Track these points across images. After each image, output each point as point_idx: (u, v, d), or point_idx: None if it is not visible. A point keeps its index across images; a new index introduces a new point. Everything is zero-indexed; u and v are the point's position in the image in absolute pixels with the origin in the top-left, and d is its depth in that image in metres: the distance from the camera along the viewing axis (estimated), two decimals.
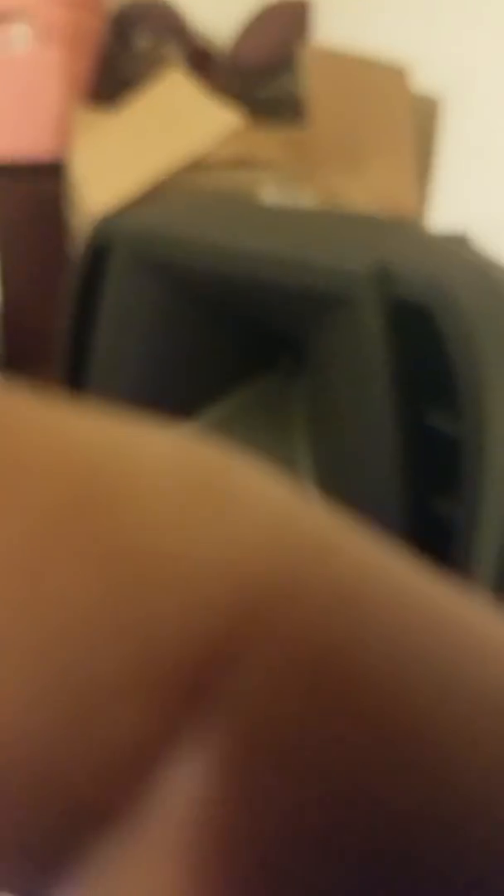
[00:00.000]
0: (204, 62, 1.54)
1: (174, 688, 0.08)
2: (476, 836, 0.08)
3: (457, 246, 0.72)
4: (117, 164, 0.98)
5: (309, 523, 0.09)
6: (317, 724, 0.08)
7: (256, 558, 0.09)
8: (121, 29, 1.55)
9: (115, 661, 0.08)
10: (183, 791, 0.08)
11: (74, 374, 0.71)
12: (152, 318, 0.69)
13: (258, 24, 1.64)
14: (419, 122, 1.11)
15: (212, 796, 0.08)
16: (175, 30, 1.55)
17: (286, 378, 0.72)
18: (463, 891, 0.08)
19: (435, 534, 0.62)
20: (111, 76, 1.50)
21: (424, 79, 1.11)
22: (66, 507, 0.08)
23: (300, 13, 1.66)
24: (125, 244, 0.67)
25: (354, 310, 0.58)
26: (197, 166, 0.97)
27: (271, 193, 1.07)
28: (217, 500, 0.09)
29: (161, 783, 0.08)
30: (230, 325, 0.70)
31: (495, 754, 0.08)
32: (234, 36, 1.65)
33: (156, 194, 0.92)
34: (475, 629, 0.09)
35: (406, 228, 0.80)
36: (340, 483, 0.63)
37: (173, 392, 0.72)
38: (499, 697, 0.09)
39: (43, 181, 1.37)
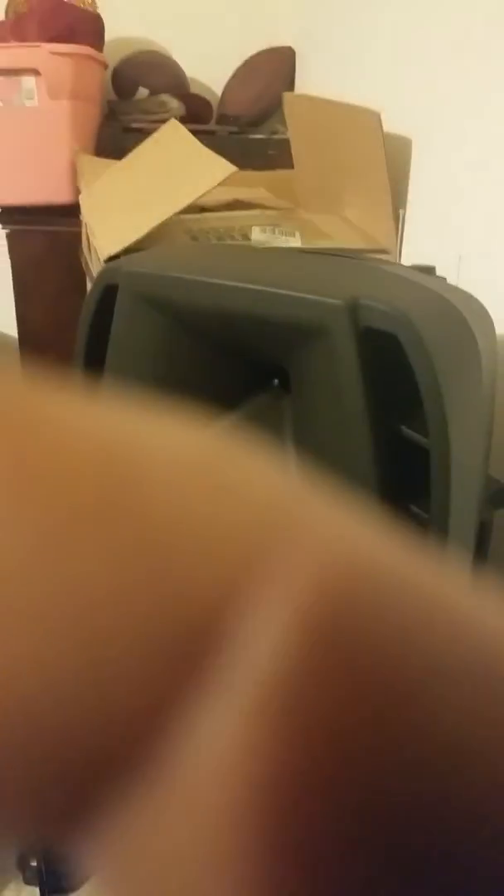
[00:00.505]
0: (200, 109, 1.62)
1: (187, 639, 0.09)
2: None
3: (424, 278, 0.78)
4: (123, 208, 1.04)
5: (300, 503, 0.10)
6: (330, 685, 0.08)
7: (255, 532, 0.09)
8: (121, 80, 1.63)
9: (131, 615, 0.08)
10: (208, 740, 0.09)
11: None
12: (155, 347, 0.73)
13: (247, 72, 1.71)
14: (391, 161, 1.17)
15: (236, 746, 0.08)
16: (172, 80, 1.63)
17: (276, 400, 0.77)
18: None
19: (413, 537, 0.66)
20: (114, 124, 1.58)
21: (397, 121, 1.17)
22: (89, 487, 0.09)
23: (286, 60, 1.73)
24: (130, 283, 0.73)
25: (331, 338, 0.63)
26: (192, 208, 1.03)
27: (260, 233, 1.13)
28: (220, 484, 0.09)
29: (183, 732, 0.09)
30: (224, 353, 0.73)
31: None
32: (226, 82, 1.74)
33: (158, 235, 0.98)
34: (448, 600, 0.10)
35: (378, 263, 0.85)
36: None
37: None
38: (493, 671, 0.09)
39: (55, 222, 1.45)
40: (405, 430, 0.66)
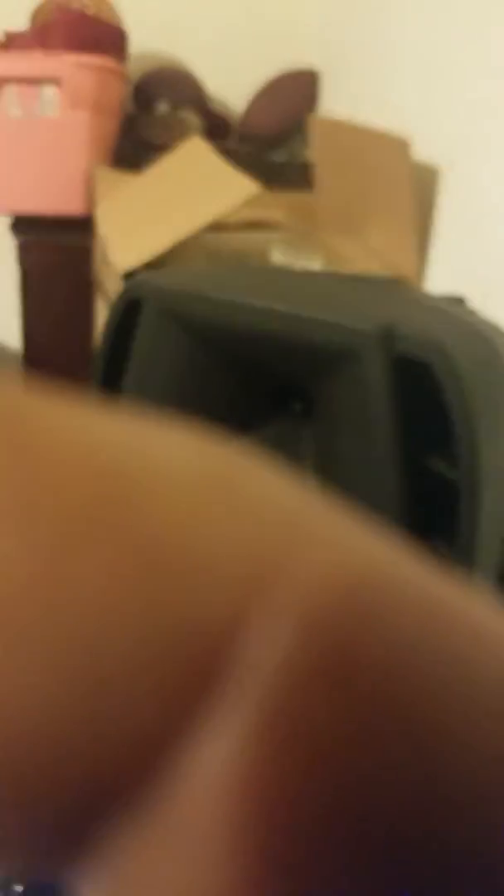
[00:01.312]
0: (219, 127, 1.63)
1: (194, 664, 0.08)
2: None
3: (454, 308, 0.78)
4: (142, 224, 1.04)
5: (312, 517, 0.10)
6: (338, 708, 0.08)
7: (265, 550, 0.09)
8: (142, 94, 1.64)
9: (135, 641, 0.08)
10: (209, 767, 0.08)
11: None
12: (176, 364, 0.73)
13: (269, 93, 1.72)
14: (419, 190, 1.17)
15: (238, 773, 0.08)
16: (192, 96, 1.64)
17: (297, 424, 0.76)
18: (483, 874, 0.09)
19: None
20: (131, 138, 1.58)
21: (425, 149, 1.17)
22: (90, 502, 0.09)
23: (309, 82, 1.75)
24: (155, 300, 0.72)
25: (362, 364, 0.62)
26: (211, 227, 1.03)
27: (280, 254, 1.13)
28: (229, 496, 0.09)
29: (184, 761, 0.09)
30: (247, 374, 0.73)
31: None
32: (247, 103, 1.75)
33: (176, 252, 0.97)
34: (460, 609, 0.09)
35: (408, 291, 0.85)
36: None
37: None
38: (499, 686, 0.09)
39: (66, 234, 1.44)
40: (433, 462, 0.65)
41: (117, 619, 0.08)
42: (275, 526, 0.09)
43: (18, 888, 0.96)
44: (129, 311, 0.74)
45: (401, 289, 0.84)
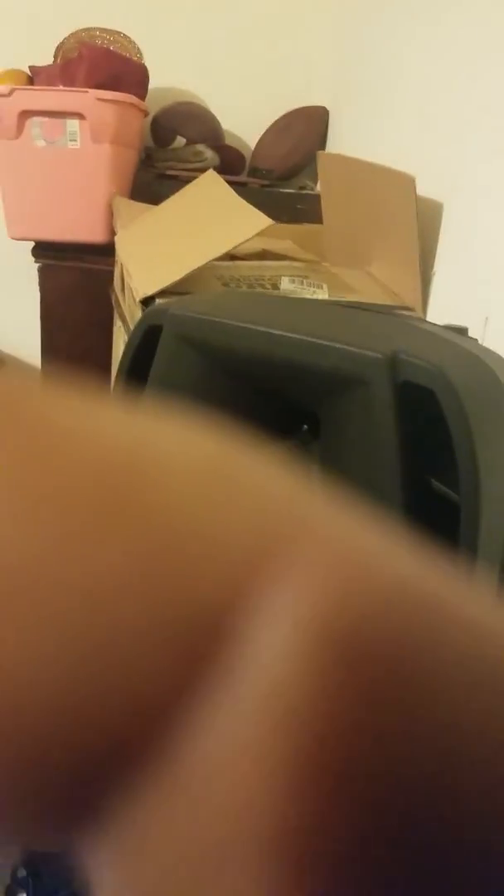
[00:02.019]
0: (233, 161, 1.67)
1: (196, 639, 0.09)
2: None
3: (456, 336, 0.80)
4: (161, 252, 1.07)
5: (307, 507, 0.10)
6: (334, 684, 0.09)
7: (264, 533, 0.09)
8: (160, 129, 1.68)
9: (142, 614, 0.08)
10: (214, 739, 0.09)
11: None
12: (191, 385, 0.75)
13: (280, 129, 1.76)
14: (421, 224, 1.20)
15: (242, 743, 0.08)
16: (208, 131, 1.68)
17: (304, 445, 0.79)
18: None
19: None
20: (149, 170, 1.62)
21: (427, 184, 1.21)
22: (102, 487, 0.09)
23: (319, 119, 1.79)
24: (173, 325, 0.75)
25: (369, 389, 0.65)
26: (223, 255, 1.06)
27: (289, 282, 1.16)
28: (230, 484, 0.10)
29: (189, 731, 0.09)
30: (256, 395, 0.75)
31: None
32: (260, 136, 1.80)
33: (191, 279, 1.01)
34: (459, 609, 0.10)
35: (413, 320, 0.88)
36: None
37: None
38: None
39: (86, 259, 1.49)
40: (435, 483, 0.67)
41: (125, 593, 0.09)
42: (274, 511, 0.10)
43: (21, 873, 0.98)
44: (148, 335, 0.78)
45: (406, 318, 0.87)
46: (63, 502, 0.09)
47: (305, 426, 0.80)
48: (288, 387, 0.72)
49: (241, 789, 0.09)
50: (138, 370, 0.80)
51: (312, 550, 0.09)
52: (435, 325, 0.90)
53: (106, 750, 0.09)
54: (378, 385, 0.66)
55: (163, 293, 1.02)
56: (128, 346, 0.81)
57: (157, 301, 1.04)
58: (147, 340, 0.79)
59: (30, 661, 0.08)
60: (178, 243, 1.07)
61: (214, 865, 0.09)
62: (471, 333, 0.91)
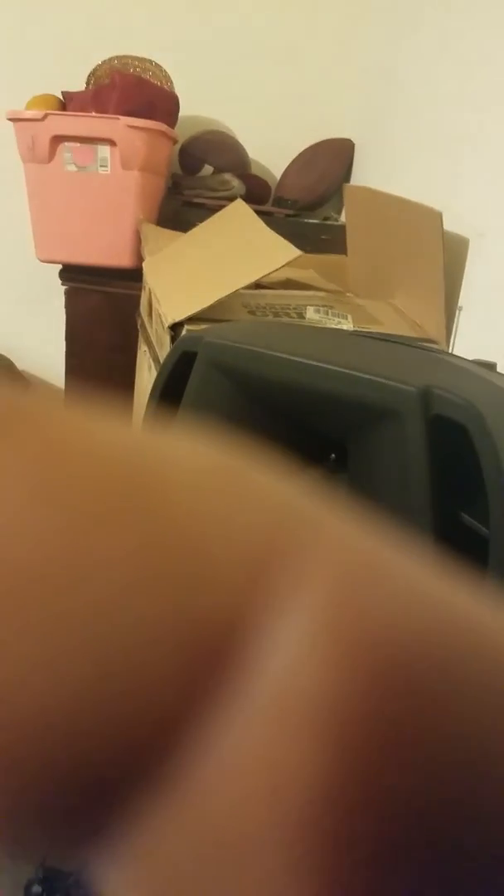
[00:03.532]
0: (259, 191, 1.69)
1: (204, 642, 0.09)
2: None
3: (486, 372, 0.81)
4: (189, 279, 1.09)
5: (313, 510, 0.10)
6: (347, 685, 0.09)
7: (270, 536, 0.09)
8: (188, 157, 1.71)
9: (149, 616, 0.09)
10: (228, 744, 0.09)
11: None
12: (223, 410, 0.76)
13: (306, 160, 1.79)
14: (448, 258, 1.21)
15: (256, 750, 0.08)
16: (235, 161, 1.71)
17: (331, 474, 0.79)
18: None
19: None
20: (176, 197, 1.65)
21: (453, 218, 1.22)
22: (112, 489, 0.09)
23: (344, 151, 1.82)
24: (207, 352, 0.76)
25: (402, 422, 0.66)
26: (249, 284, 1.07)
27: (314, 312, 1.17)
28: (236, 488, 0.10)
29: (202, 734, 0.09)
30: (285, 424, 0.76)
31: None
32: (286, 167, 1.82)
33: (217, 306, 1.02)
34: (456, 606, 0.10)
35: (444, 354, 0.88)
36: None
37: None
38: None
39: (111, 283, 1.51)
40: (465, 516, 0.67)
41: (134, 593, 0.09)
42: (284, 510, 0.10)
43: (35, 889, 0.96)
44: (182, 360, 0.79)
45: (437, 352, 0.87)
46: (70, 501, 0.09)
47: (333, 455, 0.80)
48: (318, 416, 0.73)
49: (254, 793, 0.08)
50: (170, 393, 0.81)
51: (324, 550, 0.10)
52: (465, 359, 0.90)
53: (116, 755, 0.09)
54: (410, 418, 0.66)
55: (190, 319, 1.03)
56: (162, 369, 0.82)
57: (186, 327, 1.05)
58: (180, 365, 0.80)
59: (36, 663, 0.08)
60: (206, 271, 1.09)
61: (230, 871, 0.09)
62: (499, 369, 0.91)
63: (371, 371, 0.68)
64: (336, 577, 0.09)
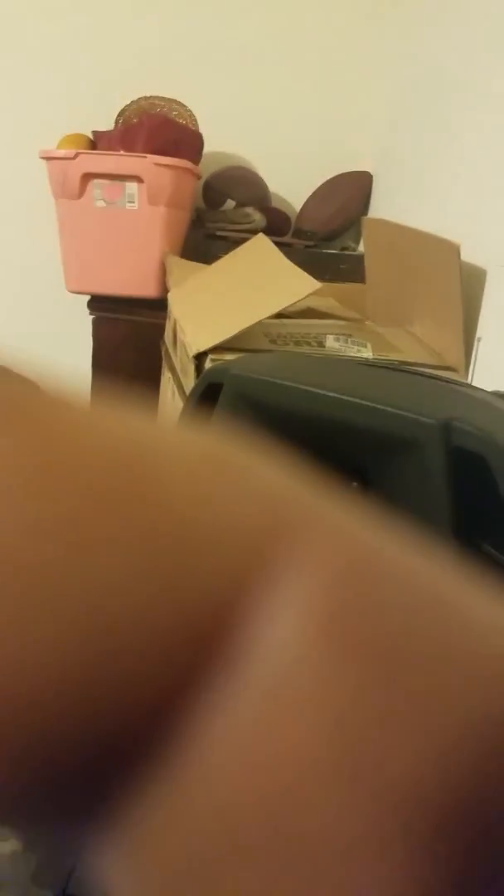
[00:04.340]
0: (279, 223, 1.74)
1: (199, 626, 0.09)
2: None
3: None
4: (213, 310, 1.12)
5: (307, 497, 0.10)
6: (339, 673, 0.09)
7: (265, 525, 0.10)
8: (211, 191, 1.75)
9: (145, 603, 0.08)
10: (224, 728, 0.09)
11: None
12: (248, 440, 0.80)
13: (326, 191, 1.82)
14: (466, 290, 1.24)
15: (253, 732, 0.08)
16: (257, 195, 1.75)
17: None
18: None
19: None
20: (199, 230, 1.69)
21: (471, 251, 1.25)
22: (109, 478, 0.09)
23: (363, 184, 1.86)
24: (233, 384, 0.80)
25: (423, 453, 0.69)
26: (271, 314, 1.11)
27: (334, 341, 1.19)
28: (232, 477, 0.10)
29: (198, 719, 0.09)
30: (310, 453, 0.79)
31: None
32: (305, 199, 1.86)
33: (240, 336, 1.05)
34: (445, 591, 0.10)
35: (464, 387, 0.91)
36: None
37: None
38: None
39: (137, 312, 1.55)
40: (485, 546, 0.69)
41: (129, 580, 0.08)
42: (279, 498, 0.10)
43: None
44: (209, 390, 0.82)
45: (456, 384, 0.90)
46: (66, 489, 0.09)
47: (355, 483, 0.83)
48: (341, 446, 0.75)
49: (249, 780, 0.08)
50: (197, 420, 0.84)
51: (320, 538, 0.10)
52: (485, 391, 0.92)
53: (110, 740, 0.09)
54: (431, 449, 0.69)
55: (214, 348, 1.06)
56: (189, 398, 0.85)
57: (210, 356, 1.09)
58: (207, 394, 0.83)
59: (30, 648, 0.08)
60: (229, 302, 1.12)
61: (226, 860, 0.09)
62: None
63: (393, 403, 0.70)
64: (332, 565, 0.09)
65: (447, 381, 0.89)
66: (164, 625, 0.09)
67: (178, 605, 0.09)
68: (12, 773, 0.08)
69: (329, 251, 1.77)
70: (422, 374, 0.88)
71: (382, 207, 1.80)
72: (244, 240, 1.31)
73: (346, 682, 0.09)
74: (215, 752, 0.09)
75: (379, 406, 0.71)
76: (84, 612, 0.08)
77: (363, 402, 0.72)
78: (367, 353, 1.21)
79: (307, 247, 1.74)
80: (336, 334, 1.23)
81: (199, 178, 1.67)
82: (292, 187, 1.86)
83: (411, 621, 0.09)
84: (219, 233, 1.65)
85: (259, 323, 1.06)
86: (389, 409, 0.71)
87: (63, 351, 1.74)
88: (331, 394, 0.75)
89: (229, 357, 1.00)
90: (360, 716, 0.08)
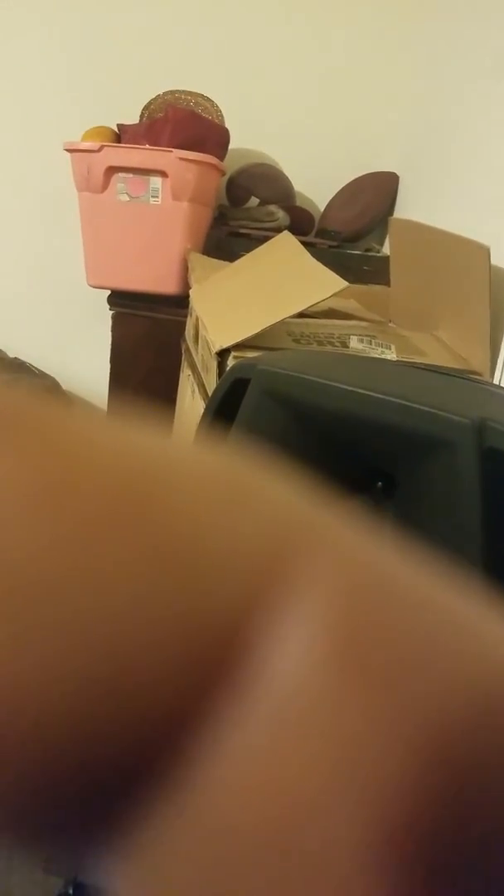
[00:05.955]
0: (303, 222, 1.72)
1: (207, 649, 0.09)
2: None
3: None
4: (237, 307, 1.11)
5: (317, 518, 0.10)
6: (350, 693, 0.08)
7: (275, 546, 0.09)
8: (235, 188, 1.74)
9: (153, 625, 0.08)
10: (231, 751, 0.09)
11: None
12: (273, 435, 0.77)
13: (351, 191, 1.81)
14: (494, 293, 1.22)
15: (260, 758, 0.08)
16: (281, 193, 1.74)
17: (377, 502, 0.80)
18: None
19: None
20: (222, 227, 1.68)
21: (498, 253, 1.23)
22: (116, 495, 0.09)
23: (388, 184, 1.84)
24: (260, 379, 0.78)
25: (456, 453, 0.66)
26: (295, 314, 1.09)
27: (357, 341, 1.18)
28: (242, 497, 0.10)
29: (205, 742, 0.09)
30: (335, 451, 0.76)
31: None
32: (330, 199, 1.84)
33: (263, 334, 1.04)
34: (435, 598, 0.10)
35: (494, 387, 0.89)
36: None
37: None
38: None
39: (157, 309, 1.54)
40: None
41: (137, 600, 0.08)
42: (287, 519, 0.10)
43: None
44: (234, 386, 0.81)
45: (487, 384, 0.88)
46: (73, 508, 0.09)
47: (380, 484, 0.81)
48: (368, 445, 0.74)
49: (256, 802, 0.08)
50: (221, 416, 0.82)
51: (328, 559, 0.10)
52: None
53: (117, 762, 0.08)
54: (464, 449, 0.67)
55: (237, 346, 1.05)
56: (214, 393, 0.84)
57: (232, 353, 1.07)
58: (233, 390, 0.82)
59: (35, 669, 0.08)
60: (253, 299, 1.11)
61: (231, 880, 0.08)
62: None
63: (425, 402, 0.68)
64: (340, 589, 0.09)
65: (477, 381, 0.88)
66: (171, 647, 0.09)
67: (185, 628, 0.09)
68: (18, 793, 0.08)
69: (353, 252, 1.75)
70: (451, 374, 0.86)
71: (408, 209, 1.79)
72: (267, 238, 1.29)
73: (353, 708, 0.09)
74: (223, 774, 0.09)
75: (411, 404, 0.69)
76: (90, 634, 0.08)
77: (394, 400, 0.70)
78: (391, 355, 1.19)
79: (331, 247, 1.72)
80: (360, 335, 1.22)
81: (223, 174, 1.65)
82: (317, 186, 1.84)
83: (421, 647, 0.09)
84: (242, 230, 1.63)
85: (282, 322, 1.04)
86: (422, 407, 0.69)
87: (82, 345, 1.74)
88: (361, 391, 0.73)
89: (252, 355, 0.99)
90: (365, 741, 0.08)
